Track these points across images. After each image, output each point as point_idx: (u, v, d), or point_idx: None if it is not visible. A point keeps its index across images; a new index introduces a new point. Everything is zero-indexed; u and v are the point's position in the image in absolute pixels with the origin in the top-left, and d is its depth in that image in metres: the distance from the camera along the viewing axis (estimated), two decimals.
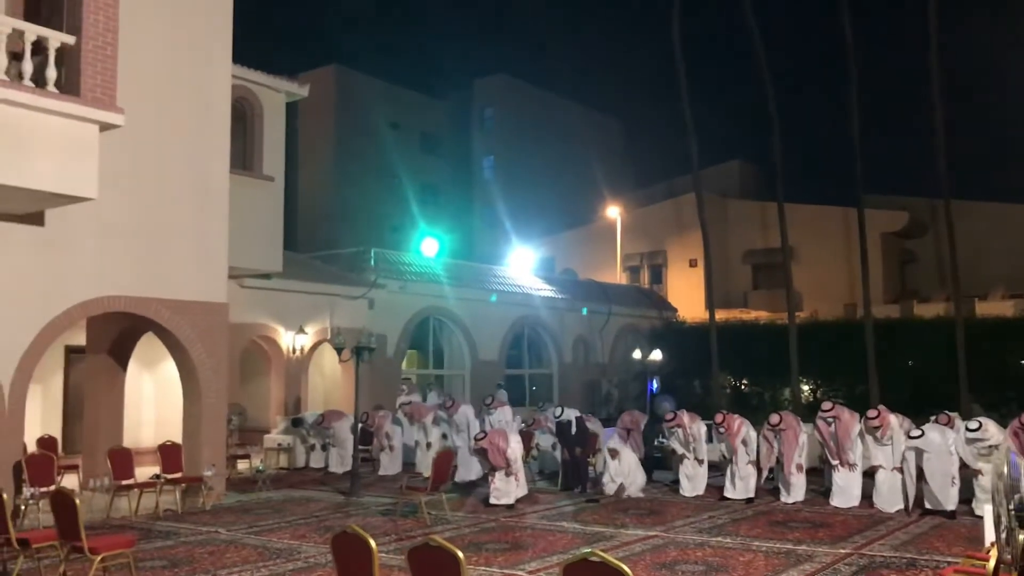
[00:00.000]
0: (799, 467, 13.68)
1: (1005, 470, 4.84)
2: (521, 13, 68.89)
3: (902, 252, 39.85)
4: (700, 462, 14.58)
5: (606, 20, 72.26)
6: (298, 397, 21.02)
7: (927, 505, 12.26)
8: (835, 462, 13.28)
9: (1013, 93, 42.10)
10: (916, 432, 12.35)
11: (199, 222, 14.20)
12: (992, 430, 12.22)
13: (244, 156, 18.23)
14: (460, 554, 5.15)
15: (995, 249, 34.37)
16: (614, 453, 14.57)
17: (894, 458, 12.70)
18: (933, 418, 13.49)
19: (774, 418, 14.01)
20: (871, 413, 12.94)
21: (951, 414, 14.04)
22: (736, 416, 14.39)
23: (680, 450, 14.73)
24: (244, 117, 18.27)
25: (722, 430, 14.17)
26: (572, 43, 66.95)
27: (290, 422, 19.26)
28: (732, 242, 40.70)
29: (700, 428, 14.77)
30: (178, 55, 13.98)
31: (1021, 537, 4.55)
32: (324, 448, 18.43)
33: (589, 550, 5.31)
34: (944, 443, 12.22)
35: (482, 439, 13.63)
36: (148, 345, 16.38)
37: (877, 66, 65.46)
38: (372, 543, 5.63)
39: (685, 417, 14.78)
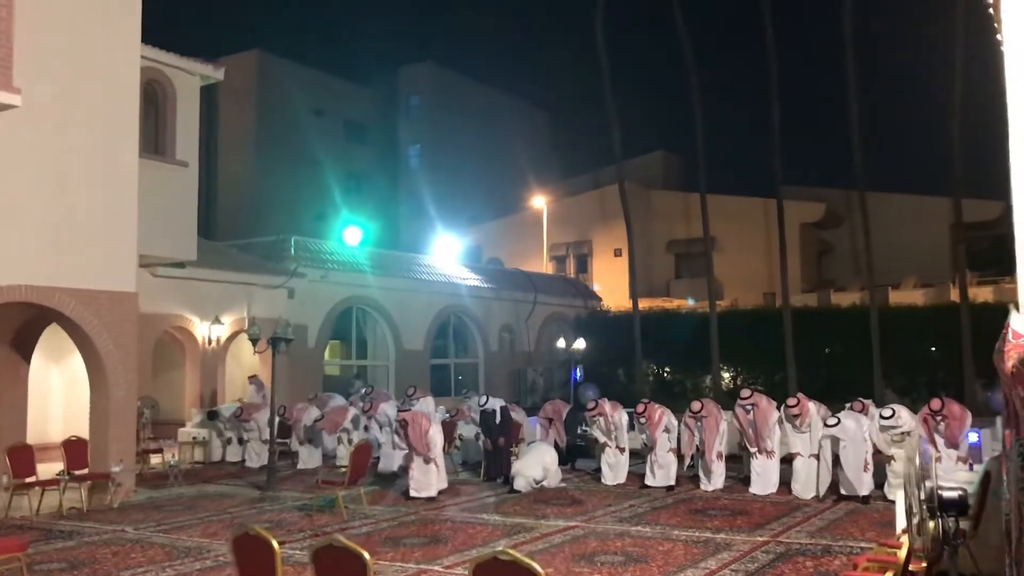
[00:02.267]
0: (719, 455, 13.80)
1: (916, 459, 4.85)
2: (448, 1, 68.31)
3: (819, 242, 40.79)
4: (622, 450, 14.60)
5: (533, 10, 72.24)
6: (214, 389, 20.45)
7: (842, 491, 12.47)
8: (753, 449, 13.43)
9: (927, 88, 43.44)
10: (832, 420, 12.55)
11: (106, 208, 13.59)
12: (905, 416, 12.50)
13: (156, 140, 17.58)
14: (366, 555, 4.94)
15: (908, 240, 35.40)
16: (531, 449, 14.56)
17: (811, 445, 12.90)
18: (848, 405, 13.75)
19: (695, 405, 14.11)
20: (791, 401, 13.11)
21: (865, 401, 14.34)
22: (657, 405, 14.42)
23: (602, 438, 14.73)
24: (156, 100, 17.61)
25: (643, 420, 14.20)
26: (499, 33, 66.68)
27: (206, 415, 18.72)
28: (656, 232, 41.11)
29: (622, 417, 14.78)
30: (82, 33, 13.32)
31: (931, 526, 4.56)
32: (241, 441, 17.93)
33: (501, 548, 5.15)
34: (859, 430, 12.46)
35: (405, 412, 13.46)
36: (56, 336, 15.64)
37: (796, 60, 66.86)
38: (275, 544, 5.35)
39: (607, 406, 14.78)
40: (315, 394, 20.32)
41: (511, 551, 4.59)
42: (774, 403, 13.69)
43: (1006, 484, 4.78)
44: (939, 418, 12.43)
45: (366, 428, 16.94)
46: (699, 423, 13.87)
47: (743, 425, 13.63)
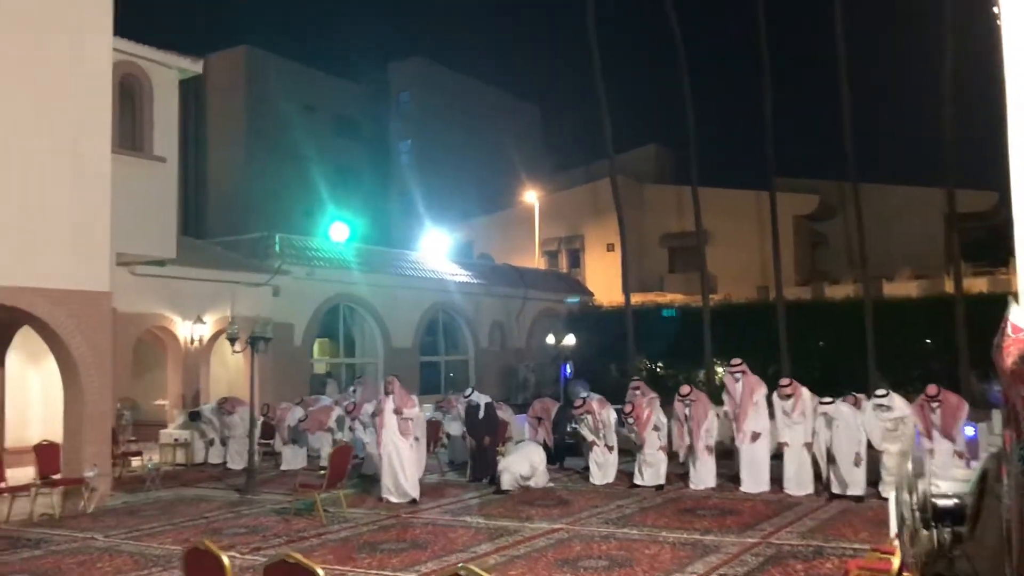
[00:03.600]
0: (709, 449, 13.42)
1: (909, 460, 4.51)
2: None
3: (813, 235, 40.48)
4: (610, 449, 14.26)
5: (523, 4, 71.79)
6: (197, 390, 20.09)
7: (835, 490, 12.15)
8: (738, 435, 13.03)
9: (919, 78, 43.11)
10: (827, 399, 12.28)
11: (77, 205, 13.18)
12: (898, 402, 12.20)
13: (133, 136, 17.19)
14: (320, 571, 4.58)
15: (901, 231, 35.12)
16: (518, 449, 14.23)
17: (804, 434, 12.56)
18: (840, 399, 13.42)
19: (684, 388, 13.81)
20: (783, 381, 12.93)
21: (858, 395, 14.02)
22: (646, 400, 14.02)
23: (590, 436, 14.38)
24: (132, 95, 17.21)
25: (631, 420, 13.86)
26: (489, 28, 66.28)
27: (188, 416, 18.34)
28: (649, 226, 40.76)
29: (610, 415, 14.44)
30: (50, 26, 12.91)
31: (924, 535, 4.23)
32: (224, 443, 17.56)
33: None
34: (852, 415, 12.15)
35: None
36: (35, 337, 15.22)
37: (789, 51, 66.44)
38: (225, 560, 4.99)
39: (595, 403, 14.44)
40: (301, 398, 19.92)
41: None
42: (763, 383, 13.39)
43: (1006, 488, 4.44)
44: (935, 404, 12.20)
45: (351, 429, 16.58)
46: (688, 408, 13.51)
47: (730, 391, 13.33)
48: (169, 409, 19.67)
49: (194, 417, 18.08)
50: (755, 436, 12.97)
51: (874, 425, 12.08)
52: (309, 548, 9.80)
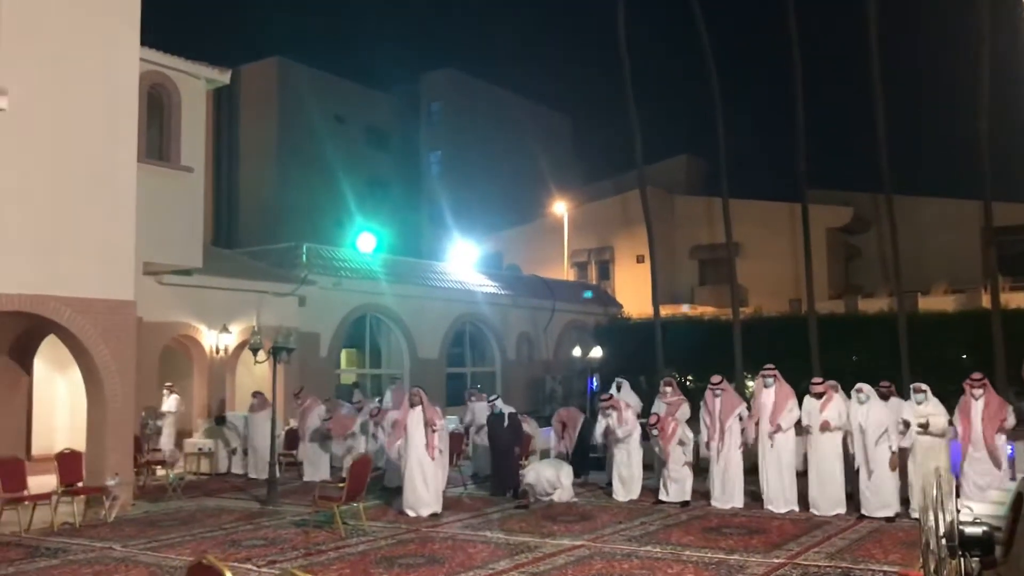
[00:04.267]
0: (734, 442, 13.05)
1: (935, 484, 4.27)
2: (468, 7, 68.12)
3: (846, 247, 39.89)
4: (625, 436, 13.95)
5: (554, 15, 71.80)
6: (222, 399, 20.10)
7: (864, 512, 11.81)
8: (768, 430, 12.72)
9: (955, 89, 42.46)
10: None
11: (103, 214, 13.24)
12: (934, 401, 11.93)
13: (160, 146, 17.27)
14: None
15: (937, 244, 34.50)
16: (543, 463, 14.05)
17: (835, 445, 12.26)
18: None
19: (715, 377, 13.56)
20: (816, 379, 12.68)
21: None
22: (670, 418, 13.77)
23: (613, 424, 14.05)
24: (160, 105, 17.31)
25: (655, 432, 13.63)
26: (520, 39, 66.41)
27: (214, 420, 18.41)
28: (679, 237, 40.42)
29: (634, 420, 14.23)
30: (77, 36, 12.99)
31: (951, 565, 4.00)
32: (246, 452, 17.54)
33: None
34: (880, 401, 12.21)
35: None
36: (61, 346, 15.31)
37: (822, 62, 65.91)
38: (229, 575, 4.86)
39: (623, 403, 14.28)
40: (328, 397, 19.93)
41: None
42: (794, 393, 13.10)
43: None
44: (979, 391, 12.00)
45: (374, 436, 16.49)
46: (718, 398, 13.23)
47: (757, 395, 13.14)
48: (194, 418, 19.70)
49: (219, 422, 18.11)
50: (779, 430, 12.62)
51: (908, 410, 11.87)
52: (327, 562, 9.68)
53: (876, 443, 11.82)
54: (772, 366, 13.28)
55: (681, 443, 13.56)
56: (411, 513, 12.49)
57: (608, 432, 14.07)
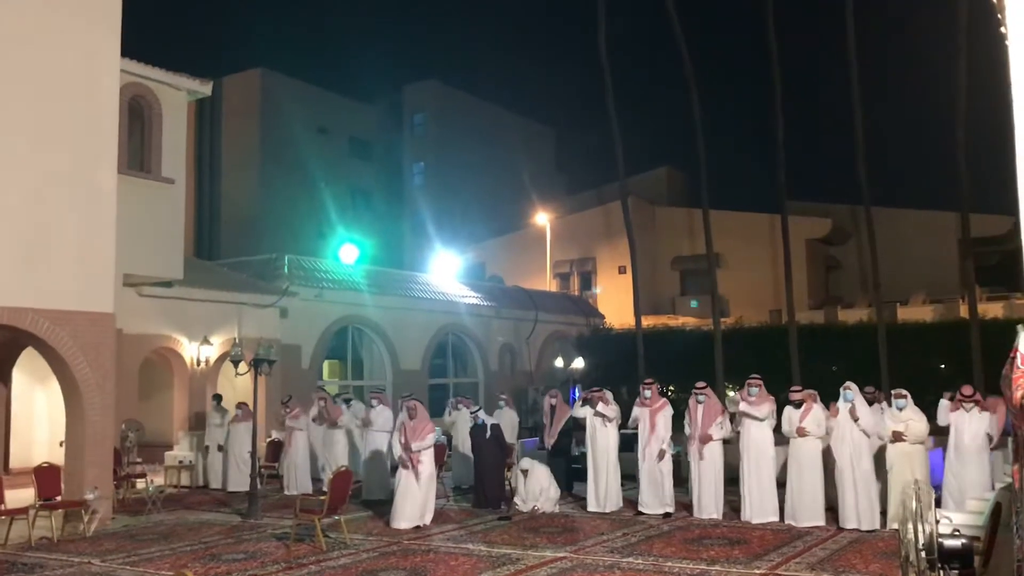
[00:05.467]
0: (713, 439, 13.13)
1: (914, 499, 4.32)
2: (451, 19, 68.26)
3: (826, 258, 40.16)
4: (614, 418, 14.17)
5: (536, 28, 72.13)
6: (203, 412, 19.95)
7: (843, 525, 11.86)
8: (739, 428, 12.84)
9: (933, 101, 42.92)
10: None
11: (82, 225, 13.15)
12: (913, 406, 12.28)
13: (141, 157, 17.20)
14: None
15: (916, 255, 34.79)
16: (526, 472, 13.96)
17: (814, 454, 12.34)
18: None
19: (700, 383, 13.66)
20: (795, 387, 12.72)
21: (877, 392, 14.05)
22: (658, 414, 13.88)
23: (602, 409, 14.10)
24: (141, 116, 17.24)
25: (637, 427, 13.73)
26: (503, 51, 66.58)
27: (214, 397, 18.40)
28: (661, 249, 40.60)
29: (615, 412, 14.40)
30: (58, 46, 12.93)
31: None
32: (225, 455, 17.35)
33: None
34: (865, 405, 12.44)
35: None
36: (41, 358, 15.19)
37: (801, 75, 66.49)
38: None
39: (608, 395, 14.49)
40: (319, 387, 20.02)
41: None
42: (772, 397, 13.17)
43: (1016, 526, 4.26)
44: (970, 405, 12.20)
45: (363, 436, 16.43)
46: (701, 404, 13.29)
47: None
48: (175, 431, 19.56)
49: (218, 399, 18.05)
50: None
51: (889, 416, 12.18)
52: (308, 575, 9.64)
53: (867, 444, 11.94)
54: (758, 376, 13.40)
55: (662, 453, 13.55)
56: (403, 524, 12.41)
57: (591, 433, 14.09)
